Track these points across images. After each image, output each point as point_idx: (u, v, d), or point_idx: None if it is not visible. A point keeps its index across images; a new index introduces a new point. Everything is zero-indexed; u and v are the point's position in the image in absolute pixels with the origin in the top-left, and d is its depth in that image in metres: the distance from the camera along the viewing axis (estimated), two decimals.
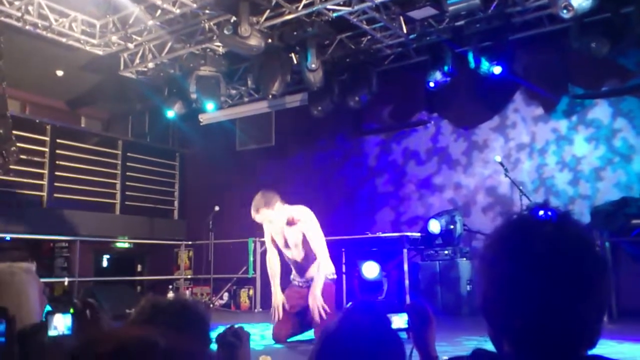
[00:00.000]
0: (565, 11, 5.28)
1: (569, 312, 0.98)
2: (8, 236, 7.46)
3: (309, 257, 4.85)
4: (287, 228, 4.79)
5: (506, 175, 6.64)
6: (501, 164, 6.66)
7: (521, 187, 6.61)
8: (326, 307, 4.52)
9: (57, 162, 8.36)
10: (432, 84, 7.27)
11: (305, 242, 4.79)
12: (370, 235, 7.58)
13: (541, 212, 1.09)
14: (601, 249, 5.61)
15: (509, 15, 6.72)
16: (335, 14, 6.74)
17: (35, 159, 8.08)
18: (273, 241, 4.96)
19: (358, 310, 1.73)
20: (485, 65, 6.66)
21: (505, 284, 1.02)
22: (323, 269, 4.69)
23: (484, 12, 6.58)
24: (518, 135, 7.47)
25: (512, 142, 7.51)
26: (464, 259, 6.96)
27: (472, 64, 6.78)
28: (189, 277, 9.77)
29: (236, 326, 1.82)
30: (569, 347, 1.00)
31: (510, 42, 6.80)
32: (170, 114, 8.47)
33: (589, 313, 1.00)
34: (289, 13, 6.71)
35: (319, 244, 4.74)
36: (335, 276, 4.88)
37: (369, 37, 7.61)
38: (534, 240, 1.02)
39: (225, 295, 9.08)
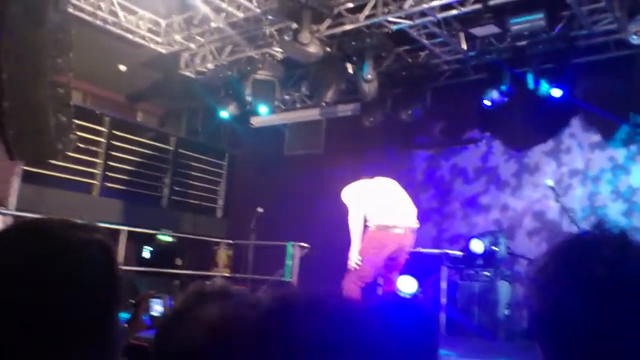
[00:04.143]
0: (635, 37, 5.18)
1: (631, 339, 0.94)
2: None
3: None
4: None
5: (557, 201, 6.47)
6: (552, 188, 6.49)
7: (571, 214, 6.46)
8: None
9: (112, 152, 8.65)
10: (488, 103, 7.20)
11: None
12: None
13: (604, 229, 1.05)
14: None
15: (573, 38, 6.62)
16: (395, 27, 6.77)
17: (92, 148, 8.38)
18: None
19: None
20: (544, 87, 6.56)
21: (562, 309, 0.98)
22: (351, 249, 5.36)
23: (548, 33, 6.48)
24: (572, 161, 7.32)
25: (564, 167, 7.36)
26: (505, 281, 6.83)
27: (531, 85, 6.69)
28: (227, 275, 9.88)
29: None
30: None
31: (572, 65, 6.69)
32: (224, 114, 8.65)
33: None
34: (350, 23, 6.78)
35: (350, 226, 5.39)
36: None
37: (427, 51, 7.62)
38: (594, 262, 0.97)
39: None
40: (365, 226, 5.38)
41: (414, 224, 5.48)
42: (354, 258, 5.31)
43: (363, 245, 5.30)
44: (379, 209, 5.39)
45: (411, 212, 5.55)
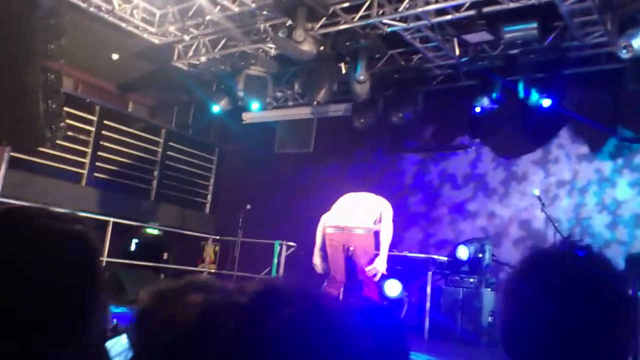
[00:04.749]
0: (624, 51, 5.20)
1: (588, 349, 0.97)
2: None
3: None
4: None
5: (542, 210, 6.51)
6: (539, 198, 6.52)
7: (556, 224, 6.48)
8: None
9: (101, 142, 8.61)
10: (478, 109, 7.22)
11: None
12: (396, 253, 7.53)
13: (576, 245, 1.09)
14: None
15: (565, 49, 6.65)
16: (389, 29, 6.78)
17: (81, 137, 8.33)
18: None
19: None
20: (534, 96, 6.59)
21: (526, 316, 1.02)
22: None
23: (540, 43, 6.51)
24: (559, 172, 7.35)
25: (552, 177, 7.39)
26: (489, 289, 6.85)
27: (522, 94, 6.71)
28: (213, 271, 9.85)
29: None
30: None
31: (563, 76, 6.72)
32: (216, 108, 8.62)
33: (611, 349, 0.98)
34: (344, 23, 6.77)
35: None
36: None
37: (420, 55, 7.63)
38: (560, 273, 1.01)
39: None
40: None
41: (358, 224, 5.60)
42: None
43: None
44: (331, 213, 5.82)
45: (361, 215, 5.67)
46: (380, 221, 5.71)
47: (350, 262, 5.68)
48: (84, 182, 8.40)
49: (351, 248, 5.57)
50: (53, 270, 0.90)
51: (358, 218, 5.62)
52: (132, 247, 9.59)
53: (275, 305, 0.62)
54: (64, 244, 0.93)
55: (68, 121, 7.27)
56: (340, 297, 5.98)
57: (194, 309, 0.62)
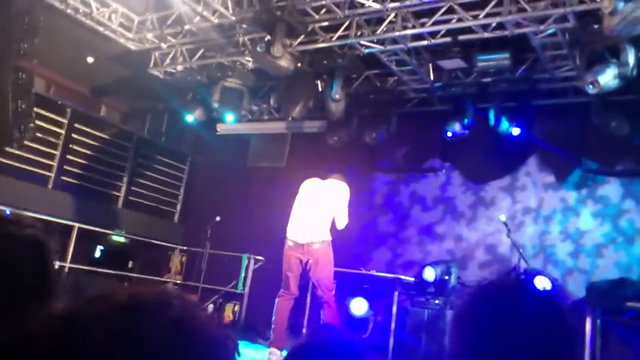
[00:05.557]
0: (591, 87, 5.36)
1: None
2: (8, 210, 7.49)
3: None
4: None
5: (508, 236, 6.63)
6: (505, 223, 6.65)
7: (521, 250, 6.60)
8: None
9: (70, 145, 8.47)
10: (449, 134, 7.34)
11: None
12: (364, 271, 7.55)
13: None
14: (581, 324, 5.56)
15: (535, 80, 6.83)
16: (367, 51, 6.86)
17: (50, 139, 8.18)
18: None
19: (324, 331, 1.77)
20: (504, 124, 6.73)
21: (487, 340, 1.09)
22: None
23: (512, 73, 6.68)
24: (526, 199, 7.49)
25: (519, 204, 7.52)
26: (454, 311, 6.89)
27: (492, 122, 6.86)
28: (178, 282, 9.72)
29: None
30: None
31: (533, 106, 6.89)
32: (190, 118, 8.57)
33: None
34: (323, 41, 6.84)
35: None
36: None
37: (395, 78, 7.74)
38: (499, 305, 1.10)
39: (210, 307, 9.01)
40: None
41: (316, 239, 5.55)
42: None
43: None
44: (290, 224, 5.68)
45: (315, 226, 5.60)
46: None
47: (307, 277, 5.67)
48: (50, 186, 8.23)
49: (310, 261, 5.53)
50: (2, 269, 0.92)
51: (317, 231, 5.55)
52: (97, 254, 9.39)
53: (138, 323, 0.60)
54: (15, 246, 0.95)
55: (38, 122, 7.16)
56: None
57: (56, 321, 0.62)
